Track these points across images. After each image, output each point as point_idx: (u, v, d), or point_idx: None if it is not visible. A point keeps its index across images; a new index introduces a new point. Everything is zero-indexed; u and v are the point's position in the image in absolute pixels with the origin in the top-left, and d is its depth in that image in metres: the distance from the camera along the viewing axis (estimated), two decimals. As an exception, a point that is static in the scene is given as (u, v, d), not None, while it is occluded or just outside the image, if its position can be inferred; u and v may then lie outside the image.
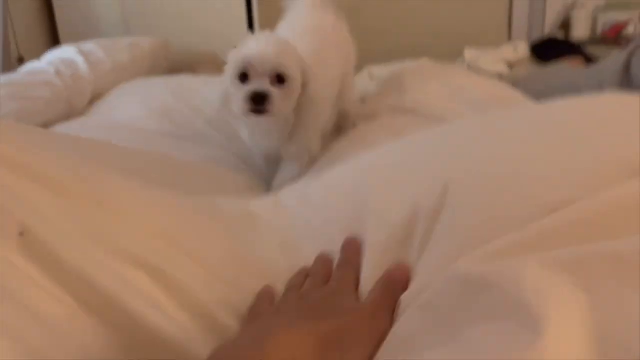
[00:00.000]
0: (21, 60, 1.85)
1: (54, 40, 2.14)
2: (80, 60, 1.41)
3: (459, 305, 0.36)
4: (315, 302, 0.41)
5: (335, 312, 0.39)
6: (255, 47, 0.82)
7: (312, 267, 0.49)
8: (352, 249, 0.47)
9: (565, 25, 2.77)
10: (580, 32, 2.68)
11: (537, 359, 0.26)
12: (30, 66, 1.42)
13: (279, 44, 0.84)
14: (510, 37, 2.88)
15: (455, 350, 0.32)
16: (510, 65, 1.89)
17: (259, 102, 0.81)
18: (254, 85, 0.81)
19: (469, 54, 2.02)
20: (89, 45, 1.51)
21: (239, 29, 2.21)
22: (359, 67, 2.18)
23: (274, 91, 0.81)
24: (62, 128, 1.17)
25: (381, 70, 2.08)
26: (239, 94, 0.82)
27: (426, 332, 0.37)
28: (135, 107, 1.27)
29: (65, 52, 1.46)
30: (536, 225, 0.38)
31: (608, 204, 0.37)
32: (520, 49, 1.96)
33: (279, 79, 0.83)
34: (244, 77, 0.83)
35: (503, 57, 1.88)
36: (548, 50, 2.20)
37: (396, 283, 0.41)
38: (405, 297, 0.41)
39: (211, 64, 1.98)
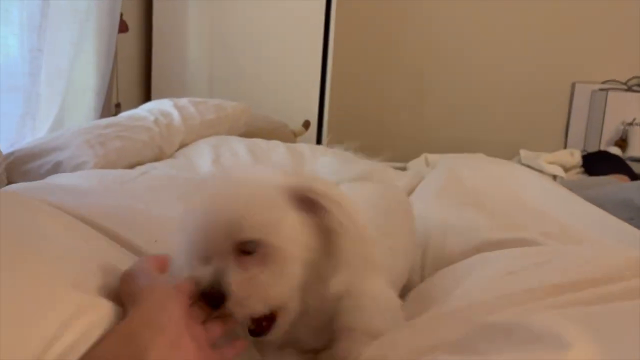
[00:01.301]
0: (118, 106, 2.09)
1: (147, 92, 2.40)
2: (175, 113, 1.59)
3: (489, 341, 0.45)
4: None
5: None
6: (202, 208, 0.53)
7: None
8: None
9: (622, 141, 2.84)
10: (636, 150, 2.74)
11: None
12: (132, 112, 1.62)
13: (236, 191, 0.53)
14: (565, 145, 2.97)
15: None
16: (565, 170, 1.97)
17: (213, 305, 0.49)
18: (205, 273, 0.50)
19: (525, 153, 2.12)
20: (183, 101, 1.71)
21: (310, 103, 2.41)
22: (416, 153, 2.33)
23: (237, 273, 0.50)
24: (150, 167, 1.33)
25: (437, 158, 2.20)
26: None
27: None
28: (207, 160, 1.42)
29: (163, 104, 1.66)
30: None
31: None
32: (576, 156, 2.05)
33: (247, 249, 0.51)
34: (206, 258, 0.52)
35: (559, 160, 1.97)
36: (597, 163, 2.27)
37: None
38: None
39: (281, 132, 2.16)
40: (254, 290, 0.49)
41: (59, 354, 0.39)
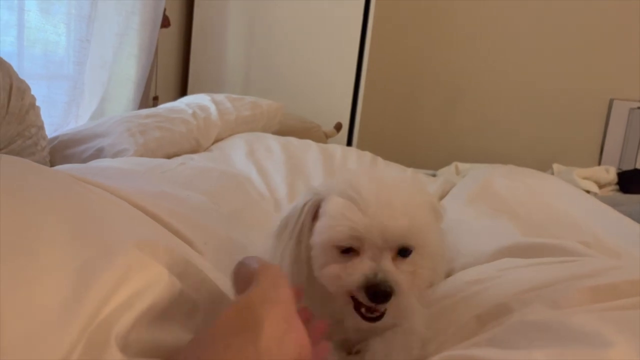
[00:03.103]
0: (156, 99, 2.13)
1: (183, 86, 2.45)
2: (212, 107, 1.63)
3: (527, 338, 0.46)
4: None
5: None
6: (368, 207, 0.54)
7: None
8: None
9: (660, 160, 2.76)
10: (674, 169, 2.67)
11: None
12: (171, 104, 1.66)
13: (406, 197, 0.56)
14: (600, 162, 2.91)
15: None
16: (599, 186, 1.93)
17: (381, 299, 0.53)
18: (372, 269, 0.53)
19: (558, 168, 2.09)
20: (220, 97, 1.74)
21: (343, 106, 2.42)
22: (447, 161, 2.32)
23: (401, 276, 0.54)
24: (187, 158, 1.36)
25: (468, 168, 2.18)
26: (334, 272, 0.55)
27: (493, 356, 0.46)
28: (241, 154, 1.44)
29: (201, 99, 1.69)
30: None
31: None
32: (612, 173, 2.01)
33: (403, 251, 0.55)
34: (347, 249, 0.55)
35: (593, 176, 1.93)
36: (633, 181, 2.21)
37: None
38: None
39: (313, 133, 2.18)
40: (413, 285, 0.56)
41: (114, 308, 0.41)
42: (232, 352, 0.40)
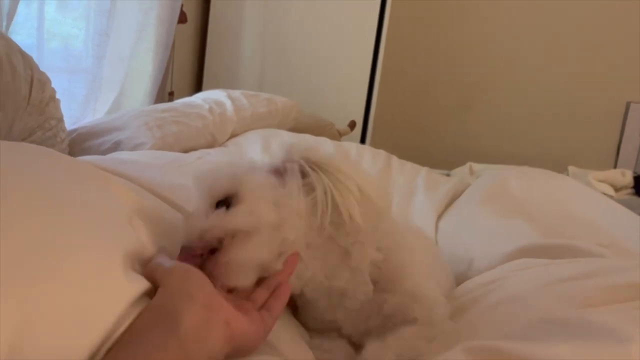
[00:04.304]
0: (171, 94, 2.15)
1: (199, 83, 2.46)
2: (228, 103, 1.64)
3: (548, 333, 0.46)
4: None
5: None
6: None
7: None
8: None
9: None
10: (691, 174, 2.63)
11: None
12: (187, 99, 1.67)
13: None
14: (615, 165, 2.88)
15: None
16: (615, 190, 1.92)
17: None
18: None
19: (573, 170, 2.07)
20: (236, 93, 1.75)
21: (357, 104, 2.42)
22: (461, 161, 2.31)
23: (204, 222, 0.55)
24: (204, 152, 1.37)
25: (482, 168, 2.17)
26: None
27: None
28: (257, 149, 1.46)
29: (217, 94, 1.70)
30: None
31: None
32: (628, 176, 1.99)
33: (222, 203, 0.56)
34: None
35: (609, 179, 1.92)
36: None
37: None
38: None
39: (327, 131, 2.18)
40: (217, 222, 0.54)
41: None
42: (151, 345, 0.40)
